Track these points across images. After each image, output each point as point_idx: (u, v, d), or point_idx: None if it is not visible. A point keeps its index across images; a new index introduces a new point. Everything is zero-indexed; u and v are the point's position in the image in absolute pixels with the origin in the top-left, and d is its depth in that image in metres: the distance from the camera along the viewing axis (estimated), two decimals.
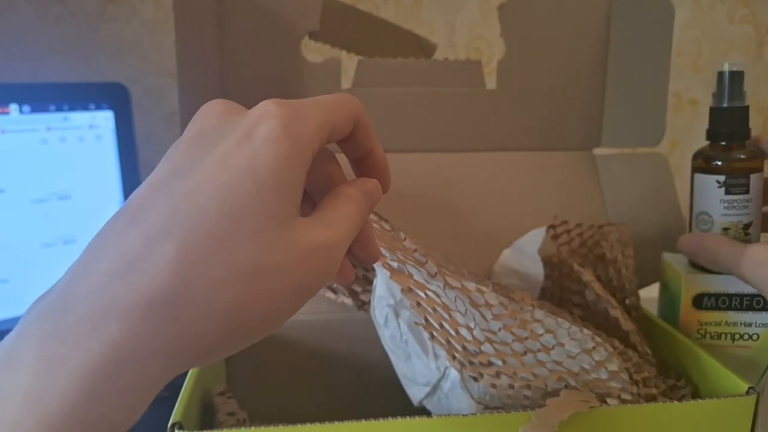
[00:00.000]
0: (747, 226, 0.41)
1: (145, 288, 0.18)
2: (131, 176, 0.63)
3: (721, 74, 0.42)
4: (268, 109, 0.21)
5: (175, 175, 0.20)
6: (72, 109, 0.59)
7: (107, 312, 0.17)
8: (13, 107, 0.56)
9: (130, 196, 0.20)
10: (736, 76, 0.41)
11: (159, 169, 0.21)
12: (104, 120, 0.61)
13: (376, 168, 0.26)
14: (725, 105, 0.42)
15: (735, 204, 0.41)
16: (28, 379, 0.16)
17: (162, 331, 0.18)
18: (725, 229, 0.42)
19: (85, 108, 0.60)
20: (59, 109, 0.59)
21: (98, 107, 0.61)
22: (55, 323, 0.17)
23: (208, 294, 0.18)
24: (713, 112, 0.42)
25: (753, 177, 0.41)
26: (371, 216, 0.44)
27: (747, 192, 0.41)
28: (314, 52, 0.53)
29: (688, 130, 0.87)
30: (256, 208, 0.19)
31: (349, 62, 0.53)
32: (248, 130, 0.20)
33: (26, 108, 0.57)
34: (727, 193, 0.41)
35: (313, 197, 0.25)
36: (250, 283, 0.19)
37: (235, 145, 0.20)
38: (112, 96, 0.61)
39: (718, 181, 0.42)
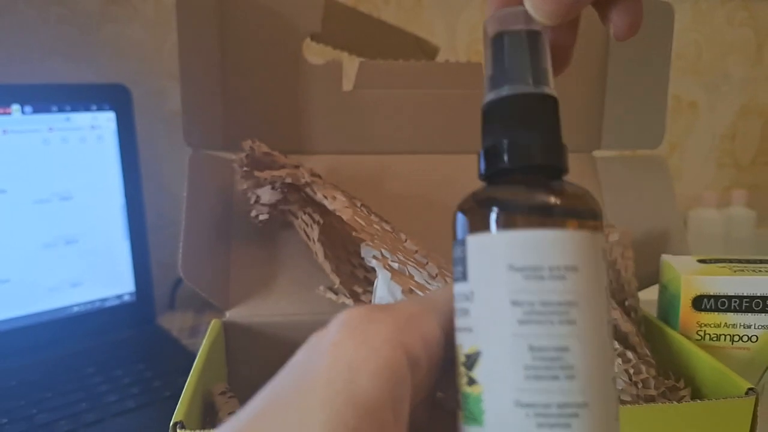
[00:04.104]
0: None
1: None
2: (132, 177, 0.63)
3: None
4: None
5: None
6: (74, 109, 0.59)
7: None
8: (16, 108, 0.57)
9: None
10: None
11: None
12: (106, 121, 0.61)
13: None
14: None
15: None
16: None
17: None
18: None
19: (87, 109, 0.60)
20: (61, 109, 0.59)
21: (100, 108, 0.61)
22: None
23: None
24: None
25: None
26: (372, 217, 0.44)
27: None
28: (316, 53, 0.53)
29: (688, 133, 0.87)
30: None
31: (351, 64, 0.53)
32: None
33: (28, 108, 0.57)
34: None
35: None
36: None
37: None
38: (113, 97, 0.62)
39: None
